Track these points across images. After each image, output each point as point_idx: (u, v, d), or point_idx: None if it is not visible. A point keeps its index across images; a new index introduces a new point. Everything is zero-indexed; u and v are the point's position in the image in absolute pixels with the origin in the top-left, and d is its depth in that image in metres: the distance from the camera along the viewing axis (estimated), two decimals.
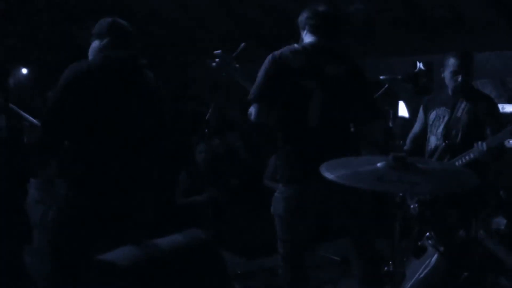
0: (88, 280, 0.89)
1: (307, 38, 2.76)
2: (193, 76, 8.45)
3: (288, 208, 2.64)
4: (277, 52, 2.69)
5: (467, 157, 3.28)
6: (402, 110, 6.39)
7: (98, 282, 1.12)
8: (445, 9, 5.36)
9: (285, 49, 2.68)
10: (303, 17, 2.80)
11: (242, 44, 2.96)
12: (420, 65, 3.64)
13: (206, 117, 3.91)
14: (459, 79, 3.41)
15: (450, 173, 2.09)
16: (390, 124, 5.45)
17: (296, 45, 2.74)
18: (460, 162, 3.32)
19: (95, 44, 2.71)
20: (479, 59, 5.43)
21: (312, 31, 2.72)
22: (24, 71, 9.18)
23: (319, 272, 4.22)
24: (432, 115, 3.62)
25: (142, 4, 7.36)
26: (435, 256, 2.53)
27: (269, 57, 2.67)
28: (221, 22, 7.19)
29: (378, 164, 1.95)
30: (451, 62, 3.46)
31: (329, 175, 1.89)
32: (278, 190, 2.72)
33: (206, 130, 6.40)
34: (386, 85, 3.58)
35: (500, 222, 3.05)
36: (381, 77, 3.62)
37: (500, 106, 4.99)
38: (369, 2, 5.82)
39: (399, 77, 3.69)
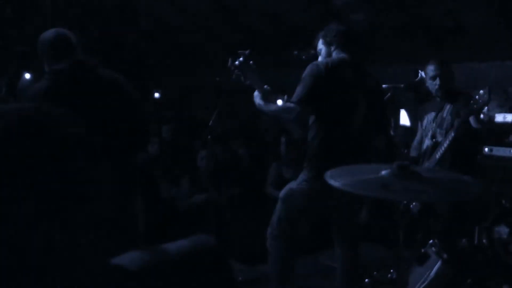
0: (98, 284, 0.89)
1: (337, 53, 3.01)
2: (196, 83, 8.48)
3: (305, 201, 2.90)
4: (324, 61, 2.91)
5: (447, 141, 3.52)
6: (404, 118, 6.41)
7: (107, 286, 1.12)
8: (447, 19, 5.39)
9: (332, 59, 2.92)
10: (329, 34, 3.06)
11: (247, 51, 3.04)
12: (421, 74, 3.67)
13: (210, 124, 3.92)
14: (437, 82, 3.69)
15: (454, 181, 2.11)
16: (392, 133, 5.48)
17: (339, 57, 2.97)
18: (442, 148, 3.55)
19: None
20: (481, 69, 5.47)
21: (342, 48, 2.99)
22: (28, 76, 9.23)
23: (320, 279, 4.22)
24: (425, 121, 3.91)
25: (147, 12, 7.41)
26: (439, 263, 2.54)
27: (318, 63, 2.87)
28: (225, 30, 7.24)
29: (383, 172, 1.97)
30: (429, 69, 3.75)
31: (334, 183, 1.91)
32: (299, 184, 2.93)
33: (209, 137, 6.44)
34: (389, 94, 3.61)
35: (502, 230, 3.06)
36: (384, 85, 3.65)
37: (501, 115, 5.03)
38: (371, 11, 5.86)
39: (401, 85, 3.72)
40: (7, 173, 0.72)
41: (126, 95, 2.75)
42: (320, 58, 3.09)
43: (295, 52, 3.35)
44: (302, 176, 2.96)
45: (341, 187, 1.87)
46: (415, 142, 4.05)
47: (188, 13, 7.27)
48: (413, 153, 4.00)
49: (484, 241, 2.79)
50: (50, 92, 2.51)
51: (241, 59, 3.04)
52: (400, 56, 6.08)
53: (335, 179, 1.94)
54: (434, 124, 3.78)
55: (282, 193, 3.03)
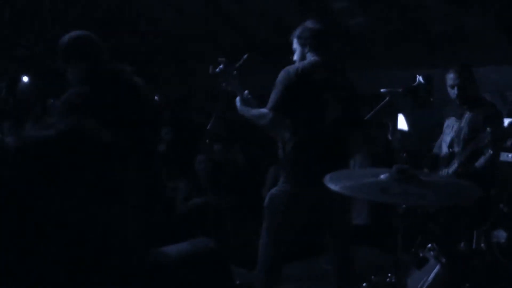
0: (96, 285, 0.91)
1: (311, 55, 3.02)
2: (194, 86, 8.48)
3: (287, 203, 2.92)
4: (295, 66, 2.94)
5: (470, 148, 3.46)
6: (402, 123, 6.42)
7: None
8: (445, 23, 5.41)
9: (303, 64, 2.95)
10: (303, 35, 3.05)
11: (245, 56, 3.09)
12: (420, 78, 3.69)
13: (207, 128, 3.93)
14: (455, 91, 3.62)
15: (453, 185, 2.12)
16: (389, 137, 5.49)
17: (311, 60, 2.99)
18: (464, 154, 3.49)
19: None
20: (479, 73, 5.49)
21: (316, 51, 3.00)
22: (26, 79, 9.22)
23: (318, 284, 4.22)
24: (445, 124, 3.88)
25: (146, 16, 7.43)
26: (437, 267, 2.54)
27: (288, 69, 2.91)
28: (224, 32, 7.25)
29: (382, 176, 1.98)
30: (449, 76, 3.68)
31: (333, 186, 1.92)
32: (280, 188, 2.97)
33: (207, 141, 6.44)
34: (387, 98, 3.63)
35: (501, 235, 3.07)
36: (382, 90, 3.66)
37: None
38: (370, 16, 5.88)
39: (399, 90, 3.73)
40: (62, 173, 0.82)
41: (150, 99, 2.89)
42: (295, 57, 3.10)
43: (292, 57, 3.35)
44: (281, 179, 3.01)
45: (340, 190, 1.88)
46: (437, 142, 4.04)
47: (187, 17, 7.29)
48: (435, 150, 4.00)
49: (482, 245, 2.79)
50: (93, 96, 2.54)
51: (221, 66, 3.12)
52: (398, 61, 6.09)
53: (334, 183, 1.95)
54: (453, 132, 3.73)
55: (265, 200, 3.04)
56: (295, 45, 3.12)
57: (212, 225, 4.55)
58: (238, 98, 3.14)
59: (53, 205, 0.81)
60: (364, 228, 4.54)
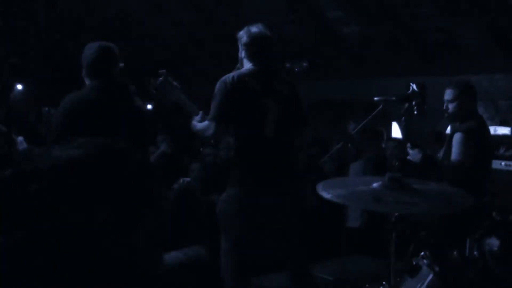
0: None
1: (246, 63, 3.06)
2: (189, 94, 8.49)
3: (237, 208, 2.92)
4: (231, 75, 2.97)
5: None
6: (396, 131, 6.45)
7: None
8: (439, 33, 5.45)
9: (238, 73, 3.00)
10: (242, 41, 3.06)
11: (164, 71, 3.24)
12: (413, 86, 3.69)
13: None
14: (449, 109, 3.55)
15: (445, 194, 2.13)
16: (383, 145, 5.51)
17: (246, 68, 3.03)
18: None
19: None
20: (472, 82, 5.52)
21: (251, 59, 3.03)
22: (20, 87, 9.21)
23: None
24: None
25: (141, 24, 7.45)
26: (430, 276, 2.54)
27: (225, 79, 2.95)
28: (217, 42, 7.27)
29: (374, 185, 1.98)
30: (446, 93, 3.60)
31: (326, 195, 1.92)
32: (228, 193, 2.97)
33: (201, 149, 6.44)
34: (380, 106, 3.64)
35: (494, 243, 3.07)
36: (375, 98, 3.68)
37: (492, 128, 5.08)
38: (364, 24, 5.92)
39: (393, 98, 3.74)
40: (88, 192, 0.79)
41: (143, 113, 3.01)
42: (239, 55, 3.14)
43: (287, 65, 3.37)
44: (228, 184, 3.02)
45: (332, 199, 1.89)
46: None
47: (181, 25, 7.31)
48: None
49: (475, 253, 2.80)
50: (96, 103, 2.69)
51: (161, 79, 3.18)
52: (392, 69, 6.13)
53: (327, 191, 1.95)
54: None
55: (216, 208, 3.04)
56: (239, 46, 3.12)
57: (206, 232, 4.54)
58: (194, 119, 3.22)
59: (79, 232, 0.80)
60: (357, 235, 4.53)
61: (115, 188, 0.81)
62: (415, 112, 4.27)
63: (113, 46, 2.86)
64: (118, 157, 0.85)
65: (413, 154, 3.50)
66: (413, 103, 4.10)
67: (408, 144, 3.51)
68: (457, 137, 3.38)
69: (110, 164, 0.83)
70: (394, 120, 6.28)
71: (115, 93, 2.82)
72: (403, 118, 4.15)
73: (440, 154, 3.73)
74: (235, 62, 3.26)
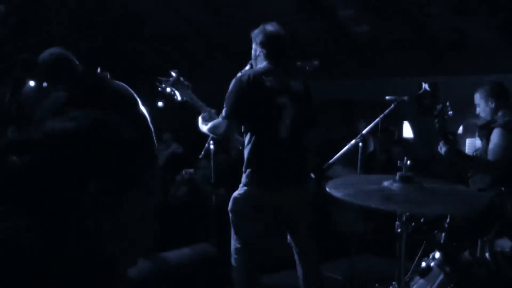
0: None
1: (261, 61, 3.05)
2: (199, 92, 8.50)
3: (251, 207, 2.94)
4: (246, 73, 2.96)
5: None
6: (407, 130, 6.42)
7: None
8: (450, 32, 5.42)
9: (254, 71, 2.98)
10: (258, 39, 3.06)
11: (176, 70, 3.22)
12: (425, 86, 3.66)
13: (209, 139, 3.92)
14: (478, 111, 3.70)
15: (458, 194, 2.11)
16: (395, 144, 5.48)
17: (262, 66, 3.02)
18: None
19: None
20: (482, 82, 5.48)
21: (267, 57, 3.03)
22: (32, 83, 9.25)
23: None
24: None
25: (152, 21, 7.46)
26: (441, 276, 2.52)
27: (240, 77, 2.94)
28: (228, 40, 7.27)
29: (385, 183, 1.97)
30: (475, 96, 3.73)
31: (336, 193, 1.91)
32: (241, 192, 2.97)
33: (211, 146, 6.42)
34: (392, 106, 3.62)
35: (505, 244, 3.05)
36: (387, 97, 3.66)
37: None
38: (375, 24, 5.89)
39: (405, 98, 3.72)
40: (81, 167, 0.79)
41: (136, 105, 2.91)
42: (252, 53, 3.13)
43: (298, 63, 3.36)
44: (242, 182, 3.01)
45: (343, 197, 1.87)
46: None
47: (192, 23, 7.31)
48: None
49: (486, 254, 2.77)
50: (69, 102, 2.66)
51: (171, 78, 3.24)
52: (403, 68, 6.10)
53: (337, 190, 1.94)
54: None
55: (229, 204, 3.03)
56: (254, 46, 3.12)
57: (214, 229, 4.54)
58: (200, 116, 3.22)
59: (70, 201, 0.79)
60: (367, 235, 4.51)
61: (106, 161, 0.80)
62: (427, 111, 4.24)
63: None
64: (110, 130, 0.84)
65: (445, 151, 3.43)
66: (425, 102, 4.07)
67: (441, 141, 3.46)
68: (497, 132, 3.38)
69: (102, 136, 0.82)
70: (405, 120, 6.25)
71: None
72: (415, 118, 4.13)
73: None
74: (246, 60, 3.26)
